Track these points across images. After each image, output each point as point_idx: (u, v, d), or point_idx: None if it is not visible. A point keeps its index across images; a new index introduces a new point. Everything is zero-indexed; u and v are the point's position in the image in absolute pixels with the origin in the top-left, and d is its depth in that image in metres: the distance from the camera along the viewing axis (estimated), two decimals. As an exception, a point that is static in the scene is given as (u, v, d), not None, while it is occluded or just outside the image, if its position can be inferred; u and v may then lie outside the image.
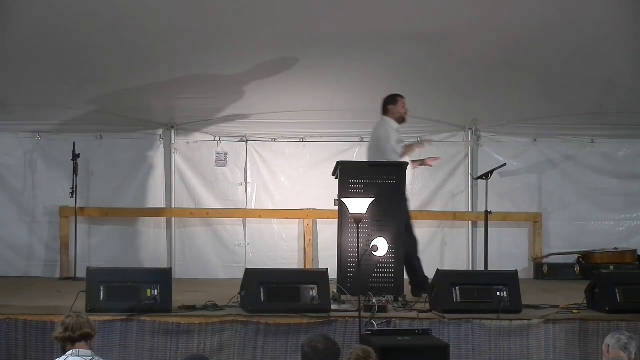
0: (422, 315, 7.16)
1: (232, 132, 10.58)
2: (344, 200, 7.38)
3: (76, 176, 9.90)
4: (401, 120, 8.50)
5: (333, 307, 7.32)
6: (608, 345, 5.59)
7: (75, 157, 9.93)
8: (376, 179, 7.93)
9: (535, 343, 7.12)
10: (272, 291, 7.17)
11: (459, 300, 7.32)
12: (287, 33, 8.64)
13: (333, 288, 7.64)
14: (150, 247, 10.43)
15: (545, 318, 7.18)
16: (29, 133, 10.38)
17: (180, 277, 9.92)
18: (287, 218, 10.64)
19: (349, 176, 7.91)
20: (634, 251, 10.55)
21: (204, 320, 6.93)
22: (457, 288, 7.35)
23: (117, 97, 9.85)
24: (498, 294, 7.33)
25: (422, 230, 8.66)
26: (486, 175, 9.80)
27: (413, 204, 8.76)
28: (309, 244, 10.54)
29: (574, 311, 7.37)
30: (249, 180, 10.67)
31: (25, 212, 10.37)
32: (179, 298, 7.30)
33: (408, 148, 8.48)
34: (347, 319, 7.01)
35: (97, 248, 10.29)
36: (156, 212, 10.52)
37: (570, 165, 10.95)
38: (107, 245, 10.33)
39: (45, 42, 8.60)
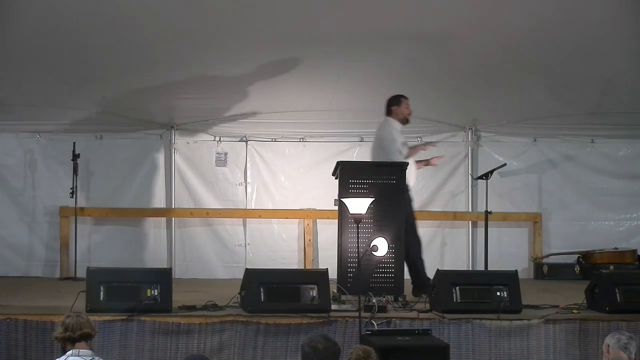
0: (422, 315, 7.16)
1: (232, 132, 10.59)
2: (344, 200, 7.38)
3: (76, 176, 9.90)
4: (405, 121, 8.51)
5: (333, 307, 7.32)
6: (608, 345, 5.59)
7: (75, 157, 9.93)
8: (376, 179, 7.93)
9: (535, 343, 7.12)
10: (272, 291, 7.17)
11: (459, 300, 7.32)
12: (287, 33, 8.64)
13: (333, 288, 7.64)
14: (150, 247, 10.43)
15: (545, 318, 7.18)
16: (29, 133, 10.38)
17: (180, 277, 9.92)
18: (287, 218, 10.64)
19: (349, 176, 7.91)
20: (634, 251, 10.55)
21: (204, 320, 6.93)
22: (457, 288, 7.35)
23: (117, 97, 9.85)
24: (498, 294, 7.33)
25: (422, 230, 8.64)
26: (486, 175, 9.80)
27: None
28: (309, 244, 10.54)
29: (574, 311, 7.37)
30: (249, 180, 10.67)
31: (25, 212, 10.37)
32: (179, 298, 7.30)
33: (413, 150, 8.48)
34: (347, 319, 7.01)
35: (97, 248, 10.30)
36: (156, 212, 10.53)
37: (570, 165, 10.95)
38: (107, 245, 10.33)
39: (45, 42, 8.60)
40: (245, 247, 10.57)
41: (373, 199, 7.21)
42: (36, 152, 10.41)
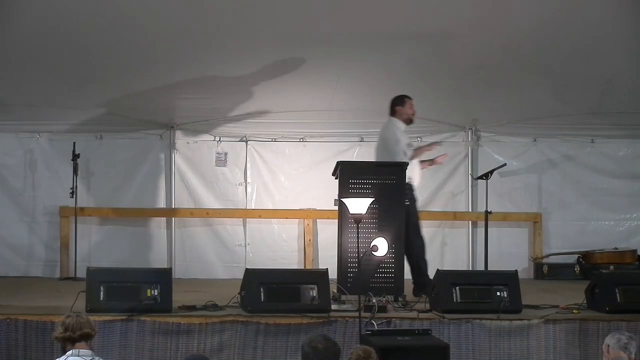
0: (422, 315, 7.16)
1: (232, 132, 10.59)
2: (344, 200, 7.38)
3: (76, 176, 9.90)
4: (409, 121, 8.51)
5: (333, 307, 7.32)
6: (608, 345, 5.59)
7: (75, 157, 9.93)
8: (376, 179, 7.92)
9: (535, 343, 7.12)
10: (272, 291, 7.17)
11: (459, 300, 7.32)
12: (287, 33, 8.64)
13: (333, 288, 7.64)
14: (150, 247, 10.43)
15: (545, 318, 7.18)
16: (29, 133, 10.39)
17: (180, 277, 9.92)
18: (287, 218, 10.65)
19: (349, 176, 7.91)
20: (634, 251, 10.55)
21: (204, 320, 6.93)
22: (457, 288, 7.35)
23: (117, 97, 9.85)
24: (498, 294, 7.33)
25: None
26: (486, 175, 9.80)
27: (414, 204, 8.77)
28: (309, 244, 10.55)
29: (574, 311, 7.37)
30: (249, 180, 10.67)
31: (25, 212, 10.37)
32: (179, 298, 7.30)
33: (418, 151, 8.48)
34: (347, 319, 7.01)
35: (97, 248, 10.30)
36: (156, 212, 10.53)
37: (570, 165, 10.96)
38: (107, 245, 10.33)
39: (45, 42, 8.60)
40: (245, 247, 10.57)
41: (373, 199, 7.21)
42: (36, 152, 10.41)
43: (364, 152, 10.50)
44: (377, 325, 6.92)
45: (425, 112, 9.88)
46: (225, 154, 10.65)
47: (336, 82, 9.60)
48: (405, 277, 8.04)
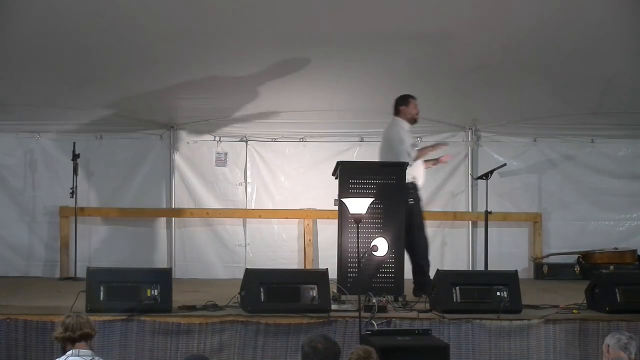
0: (422, 315, 7.16)
1: (232, 132, 10.59)
2: (344, 200, 7.38)
3: (76, 176, 9.90)
4: (413, 121, 8.52)
5: (333, 307, 7.32)
6: (608, 345, 5.59)
7: (75, 157, 9.93)
8: (376, 179, 7.92)
9: (535, 343, 7.12)
10: (272, 291, 7.17)
11: (459, 300, 7.32)
12: (287, 33, 8.64)
13: (333, 288, 7.63)
14: (151, 247, 10.43)
15: (545, 318, 7.18)
16: (29, 133, 10.39)
17: (180, 277, 9.92)
18: (287, 218, 10.64)
19: (349, 176, 7.91)
20: (634, 251, 10.55)
21: (204, 320, 6.93)
22: (457, 288, 7.35)
23: (117, 97, 9.84)
24: (498, 294, 7.33)
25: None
26: (486, 175, 9.80)
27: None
28: (309, 244, 10.55)
29: (574, 311, 7.37)
30: (249, 180, 10.67)
31: (25, 212, 10.37)
32: (179, 298, 7.30)
33: (422, 151, 8.47)
34: (347, 319, 7.01)
35: (97, 248, 10.30)
36: (156, 212, 10.53)
37: (570, 165, 10.96)
38: (107, 245, 10.33)
39: (45, 42, 8.60)
40: (245, 247, 10.57)
41: (373, 199, 7.21)
42: (36, 152, 10.41)
43: (364, 152, 10.51)
44: (377, 325, 6.92)
45: (425, 112, 9.83)
46: (225, 154, 10.65)
47: (336, 82, 9.60)
48: (405, 277, 8.04)
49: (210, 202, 10.61)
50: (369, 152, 10.44)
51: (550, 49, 8.99)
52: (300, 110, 10.17)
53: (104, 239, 10.42)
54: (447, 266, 9.74)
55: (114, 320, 6.79)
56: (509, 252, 10.61)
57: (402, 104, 8.50)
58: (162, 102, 10.01)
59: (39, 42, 8.58)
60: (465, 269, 10.43)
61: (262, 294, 7.13)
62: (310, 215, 10.56)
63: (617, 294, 7.44)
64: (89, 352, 5.05)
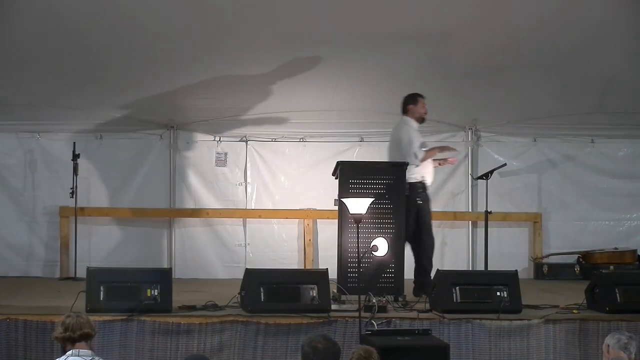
0: (422, 315, 7.17)
1: (232, 132, 10.58)
2: (344, 200, 7.38)
3: (76, 176, 9.89)
4: (421, 120, 8.52)
5: (333, 307, 7.32)
6: (608, 345, 5.58)
7: (75, 157, 9.92)
8: (376, 179, 7.92)
9: (535, 343, 7.12)
10: (272, 291, 7.17)
11: (459, 300, 7.32)
12: (287, 33, 8.64)
13: (333, 288, 7.64)
14: (150, 247, 10.42)
15: (545, 318, 7.18)
16: (29, 133, 10.38)
17: (180, 277, 9.92)
18: (287, 218, 10.64)
19: (349, 176, 7.91)
20: (634, 251, 10.55)
21: (204, 320, 6.93)
22: (457, 288, 7.36)
23: (117, 97, 9.85)
24: (498, 294, 7.33)
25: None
26: (486, 175, 9.79)
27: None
28: (309, 244, 10.54)
29: (574, 311, 7.37)
30: (249, 180, 10.67)
31: (25, 212, 10.37)
32: (179, 298, 7.30)
33: (430, 153, 8.46)
34: (347, 319, 7.01)
35: (97, 248, 10.29)
36: (156, 212, 10.52)
37: (570, 165, 10.95)
38: (107, 245, 10.33)
39: (45, 42, 8.61)
40: (245, 247, 10.56)
41: (373, 199, 7.20)
42: (36, 152, 10.41)
43: (364, 152, 10.51)
44: (377, 325, 6.92)
45: (426, 112, 9.90)
46: (225, 154, 10.64)
47: (336, 82, 9.60)
48: (405, 277, 8.04)
49: (210, 202, 10.60)
50: (369, 152, 10.46)
51: (550, 49, 8.99)
52: (300, 110, 10.16)
53: (104, 239, 10.41)
54: (447, 266, 9.74)
55: (114, 320, 6.79)
56: (509, 252, 10.61)
57: (410, 102, 8.49)
58: (162, 102, 10.01)
59: (39, 42, 8.58)
60: (465, 269, 10.43)
61: (262, 294, 7.13)
62: (310, 215, 10.56)
63: (617, 294, 7.44)
64: (89, 352, 5.05)
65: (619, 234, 10.90)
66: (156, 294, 7.01)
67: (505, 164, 10.26)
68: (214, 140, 10.61)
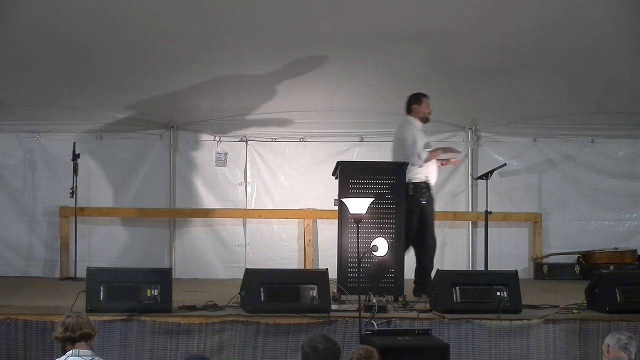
0: (422, 315, 7.17)
1: (232, 132, 10.58)
2: (344, 200, 7.38)
3: (76, 176, 9.89)
4: (425, 120, 8.52)
5: (333, 307, 7.32)
6: (608, 345, 5.58)
7: (75, 157, 9.92)
8: (376, 179, 7.92)
9: (535, 343, 7.12)
10: (272, 291, 7.17)
11: (459, 300, 7.32)
12: (287, 33, 8.65)
13: (333, 288, 7.64)
14: (150, 247, 10.42)
15: (545, 318, 7.18)
16: (29, 133, 10.38)
17: (180, 277, 9.92)
18: (287, 218, 10.64)
19: (349, 176, 7.91)
20: (634, 251, 10.55)
21: (204, 320, 6.93)
22: (457, 288, 7.36)
23: (117, 97, 9.85)
24: (498, 294, 7.33)
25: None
26: (486, 175, 9.79)
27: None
28: (309, 244, 10.54)
29: (574, 311, 7.37)
30: (249, 180, 10.66)
31: (25, 212, 10.37)
32: (179, 298, 7.30)
33: (433, 153, 8.45)
34: (347, 319, 7.01)
35: (97, 248, 10.29)
36: (156, 212, 10.52)
37: (570, 165, 10.95)
38: (107, 245, 10.33)
39: (45, 42, 8.61)
40: (245, 247, 10.56)
41: (373, 199, 7.20)
42: (36, 152, 10.40)
43: (364, 152, 10.51)
44: (377, 325, 6.92)
45: (425, 112, 9.90)
46: (225, 154, 10.64)
47: (336, 82, 9.60)
48: (405, 277, 8.04)
49: (210, 202, 10.60)
50: (369, 152, 10.46)
51: (550, 49, 9.00)
52: (300, 110, 10.16)
53: (104, 239, 10.41)
54: (447, 266, 9.74)
55: (114, 320, 6.79)
56: (509, 252, 10.60)
57: (414, 102, 8.49)
58: (162, 102, 10.01)
59: (39, 42, 8.58)
60: (465, 269, 10.43)
61: (262, 294, 7.13)
62: (310, 215, 10.56)
63: (617, 294, 7.44)
64: (89, 352, 5.05)
65: (619, 234, 10.90)
66: (156, 294, 7.01)
67: (505, 164, 10.26)
68: (214, 140, 10.61)
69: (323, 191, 9.78)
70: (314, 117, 10.28)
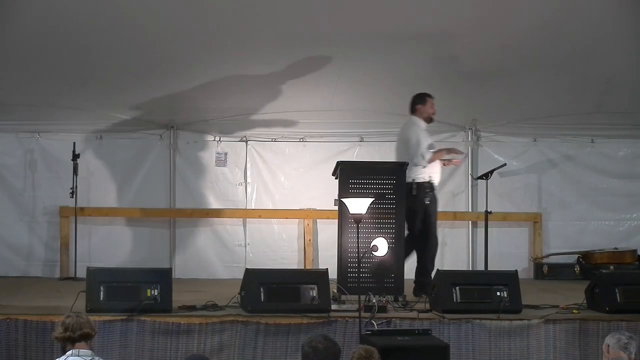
0: (422, 315, 7.17)
1: (232, 132, 10.58)
2: (344, 200, 7.38)
3: (76, 176, 9.89)
4: (429, 120, 8.52)
5: (333, 307, 7.32)
6: (608, 345, 5.59)
7: (75, 157, 9.92)
8: (376, 179, 7.92)
9: (535, 343, 7.12)
10: (272, 291, 7.17)
11: (459, 300, 7.32)
12: (287, 33, 8.64)
13: (333, 288, 7.63)
14: (151, 247, 10.42)
15: (545, 318, 7.18)
16: (29, 133, 10.38)
17: (180, 277, 9.92)
18: (287, 218, 10.64)
19: (349, 176, 7.91)
20: (634, 251, 10.55)
21: (204, 320, 6.93)
22: (457, 288, 7.36)
23: (117, 97, 9.84)
24: (498, 294, 7.33)
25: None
26: (486, 175, 9.79)
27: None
28: (309, 244, 10.54)
29: (574, 311, 7.37)
30: (249, 180, 10.66)
31: (25, 212, 10.37)
32: (179, 298, 7.30)
33: (437, 154, 8.45)
34: (347, 319, 7.02)
35: (97, 248, 10.29)
36: (156, 212, 10.52)
37: (570, 165, 10.95)
38: (107, 245, 10.33)
39: (45, 42, 8.61)
40: (245, 247, 10.56)
41: (373, 199, 7.20)
42: (36, 152, 10.40)
43: (364, 152, 10.51)
44: (377, 325, 6.92)
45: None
46: (225, 154, 10.64)
47: (336, 82, 9.60)
48: (405, 277, 8.04)
49: (210, 202, 10.60)
50: (369, 152, 10.46)
51: (550, 49, 8.99)
52: (300, 110, 10.16)
53: (104, 239, 10.42)
54: (447, 266, 9.74)
55: (114, 320, 6.79)
56: (509, 252, 10.60)
57: (419, 102, 8.49)
58: (162, 102, 10.01)
59: (39, 42, 8.58)
60: (465, 269, 10.43)
61: (262, 294, 7.13)
62: (310, 215, 10.56)
63: (617, 294, 7.44)
64: (89, 352, 5.05)
65: (619, 234, 10.90)
66: (156, 294, 7.01)
67: (505, 164, 10.26)
68: (214, 140, 10.61)
69: (323, 191, 9.79)
70: (314, 117, 10.28)
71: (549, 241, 10.85)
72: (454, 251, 10.71)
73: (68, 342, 5.06)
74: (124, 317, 6.82)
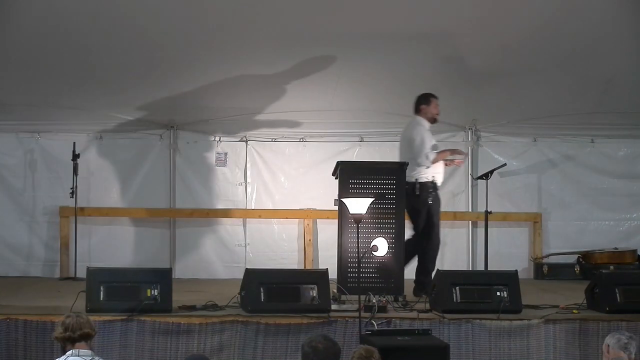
0: (422, 315, 7.17)
1: (232, 132, 10.58)
2: (344, 200, 7.38)
3: (76, 176, 9.89)
4: (433, 120, 8.53)
5: (333, 307, 7.32)
6: (608, 345, 5.59)
7: (75, 157, 9.92)
8: (376, 179, 7.92)
9: (535, 343, 7.13)
10: (272, 291, 7.17)
11: (459, 300, 7.32)
12: (288, 33, 8.64)
13: (333, 288, 7.63)
14: (151, 247, 10.42)
15: (545, 318, 7.19)
16: (29, 133, 10.38)
17: (180, 277, 9.92)
18: (287, 218, 10.64)
19: (349, 176, 7.91)
20: (634, 251, 10.54)
21: (204, 320, 6.93)
22: (457, 288, 7.36)
23: (117, 97, 9.84)
24: (498, 294, 7.34)
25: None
26: (486, 175, 9.79)
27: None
28: (309, 244, 10.54)
29: (574, 311, 7.37)
30: (249, 180, 10.66)
31: (25, 212, 10.37)
32: (179, 298, 7.30)
33: (441, 154, 8.46)
34: (347, 319, 7.02)
35: (97, 248, 10.29)
36: (156, 212, 10.52)
37: (570, 165, 10.95)
38: (107, 245, 10.33)
39: (45, 42, 8.60)
40: (245, 247, 10.56)
41: (373, 199, 7.20)
42: (36, 152, 10.40)
43: (364, 152, 10.51)
44: (377, 325, 6.92)
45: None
46: (225, 154, 10.64)
47: (336, 82, 9.60)
48: (405, 277, 8.04)
49: (210, 202, 10.60)
50: (369, 152, 10.46)
51: (550, 49, 8.99)
52: (300, 110, 10.16)
53: (104, 239, 10.42)
54: (447, 266, 9.74)
55: (114, 320, 6.79)
56: (509, 252, 10.60)
57: (423, 102, 8.49)
58: (162, 102, 10.01)
59: (39, 42, 8.58)
60: (465, 269, 10.43)
61: (262, 294, 7.13)
62: (310, 215, 10.56)
63: (617, 294, 7.44)
64: (89, 352, 5.05)
65: (619, 234, 10.90)
66: (156, 294, 7.01)
67: (505, 164, 10.26)
68: (214, 140, 10.61)
69: (323, 191, 9.79)
70: (314, 117, 10.28)
71: (549, 241, 10.85)
72: (454, 251, 10.71)
73: (68, 342, 5.07)
74: (124, 317, 6.82)
